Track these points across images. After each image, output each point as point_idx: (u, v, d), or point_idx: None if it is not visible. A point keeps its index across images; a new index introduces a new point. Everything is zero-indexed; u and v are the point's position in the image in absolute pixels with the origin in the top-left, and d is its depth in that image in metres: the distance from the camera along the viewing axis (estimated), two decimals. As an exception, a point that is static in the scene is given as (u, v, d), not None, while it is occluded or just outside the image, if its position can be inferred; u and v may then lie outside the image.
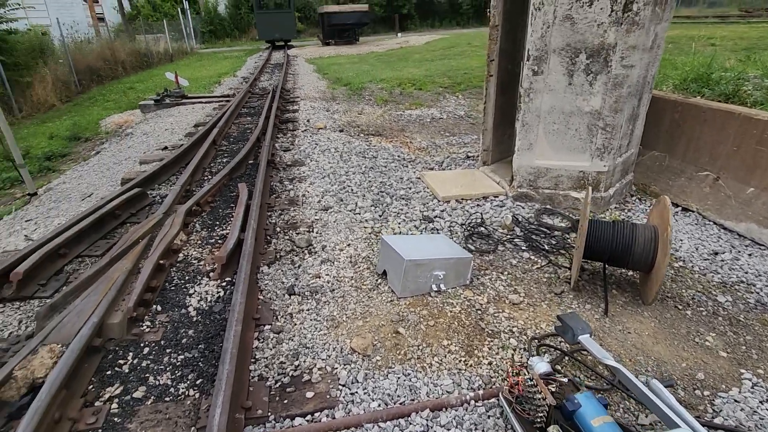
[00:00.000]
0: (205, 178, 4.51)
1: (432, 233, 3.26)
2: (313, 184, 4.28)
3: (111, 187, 4.62)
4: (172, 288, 2.64)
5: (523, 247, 3.10)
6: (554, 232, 3.31)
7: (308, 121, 6.91)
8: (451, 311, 2.41)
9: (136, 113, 8.51)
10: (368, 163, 4.86)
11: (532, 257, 2.98)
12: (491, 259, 2.96)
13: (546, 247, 3.08)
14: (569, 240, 3.20)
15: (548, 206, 3.71)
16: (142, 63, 16.29)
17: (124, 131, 7.41)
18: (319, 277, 2.73)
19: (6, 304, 2.49)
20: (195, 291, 2.60)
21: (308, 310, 2.44)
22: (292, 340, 2.21)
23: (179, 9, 25.30)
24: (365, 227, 3.38)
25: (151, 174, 4.21)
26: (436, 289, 2.54)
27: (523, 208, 3.67)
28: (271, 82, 11.13)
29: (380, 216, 3.56)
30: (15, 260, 2.59)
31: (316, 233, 3.30)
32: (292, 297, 2.55)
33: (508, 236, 3.25)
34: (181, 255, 2.97)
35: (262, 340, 2.20)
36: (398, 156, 5.14)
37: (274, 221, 3.51)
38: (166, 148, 5.72)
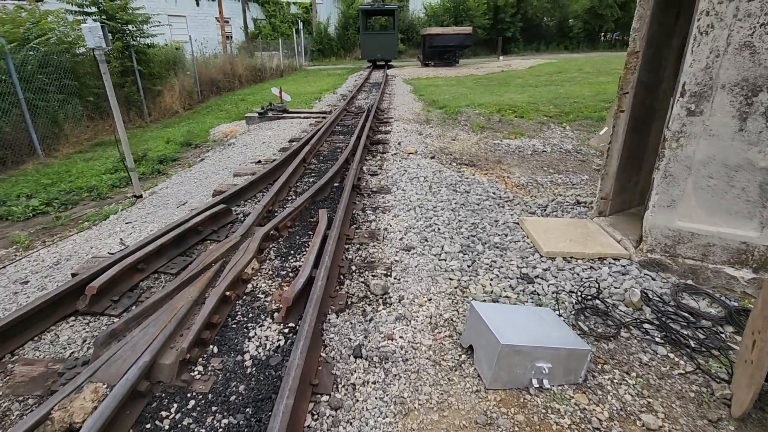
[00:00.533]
0: (289, 198, 4.41)
1: (534, 303, 2.67)
2: (397, 217, 3.92)
3: (203, 196, 4.75)
4: (233, 326, 2.43)
5: (657, 338, 2.36)
6: (701, 321, 2.51)
7: (399, 144, 6.66)
8: (557, 424, 1.82)
9: (242, 124, 9.05)
10: (459, 198, 4.38)
11: (671, 355, 2.25)
12: (612, 350, 2.29)
13: (691, 344, 2.32)
14: (725, 336, 2.39)
15: (690, 282, 2.89)
16: (255, 77, 17.73)
17: (228, 141, 7.86)
18: (392, 339, 2.32)
19: (78, 317, 2.47)
20: (255, 334, 2.34)
21: (374, 383, 2.03)
22: (351, 424, 1.81)
23: (294, 29, 27.43)
24: (450, 279, 2.90)
25: (238, 190, 4.20)
26: (537, 385, 1.97)
27: (654, 279, 2.90)
28: (367, 101, 11.23)
29: (469, 266, 3.05)
30: (94, 272, 2.58)
31: (395, 278, 2.90)
32: (358, 361, 2.16)
33: (635, 318, 2.53)
34: (249, 286, 2.77)
35: (316, 417, 1.84)
36: (493, 193, 4.58)
37: (350, 256, 3.20)
38: (259, 161, 5.85)
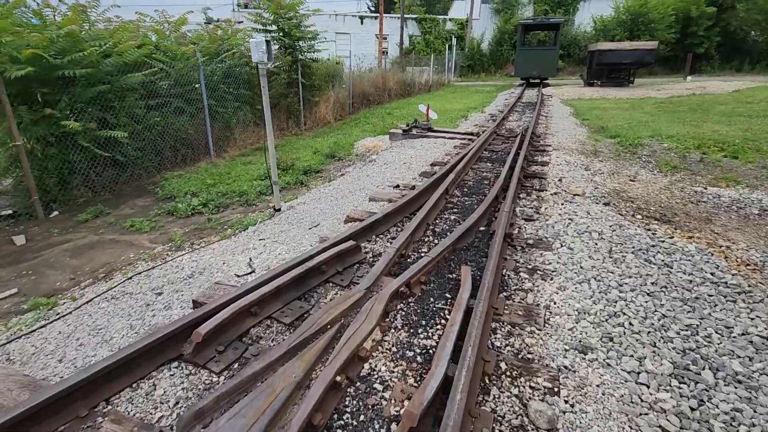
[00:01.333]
0: (426, 239, 3.77)
1: None
2: (563, 289, 2.94)
3: (335, 220, 4.45)
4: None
5: None
6: None
7: (560, 180, 5.52)
8: None
9: (385, 139, 8.89)
10: (657, 274, 3.16)
11: None
12: None
13: None
14: None
15: None
16: (404, 91, 17.96)
17: (369, 156, 7.71)
18: None
19: (181, 365, 2.20)
20: (364, 454, 1.72)
21: None
22: None
23: (447, 45, 27.38)
24: (661, 429, 1.85)
25: (370, 224, 3.72)
26: None
27: None
28: (520, 124, 10.11)
29: (693, 410, 1.94)
30: (205, 313, 2.29)
31: (567, 402, 1.99)
32: None
33: None
34: (366, 366, 2.18)
35: None
36: (711, 273, 3.20)
37: (499, 343, 2.38)
38: (397, 186, 5.39)
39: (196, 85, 7.59)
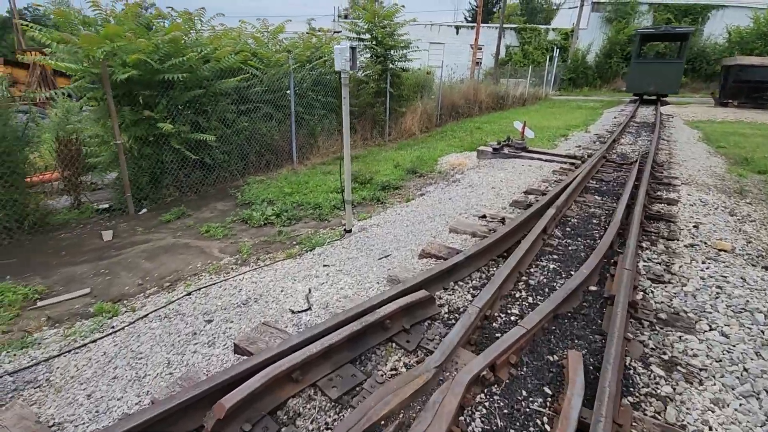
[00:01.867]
0: (517, 293, 3.04)
1: None
2: (721, 404, 2.05)
3: (409, 252, 3.90)
4: None
5: None
6: None
7: (696, 227, 4.37)
8: None
9: (472, 157, 8.17)
10: None
11: None
12: None
13: None
14: None
15: None
16: (496, 104, 16.94)
17: (453, 175, 7.07)
18: None
19: (200, 440, 1.80)
20: None
21: None
22: None
23: (548, 57, 25.58)
24: None
25: (449, 268, 3.08)
26: None
27: None
28: (635, 148, 8.69)
29: None
30: (235, 375, 1.87)
31: None
32: None
33: None
34: (428, 494, 1.58)
35: None
36: None
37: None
38: (484, 216, 4.67)
39: (287, 92, 7.60)
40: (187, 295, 3.47)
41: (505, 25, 25.87)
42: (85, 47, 4.87)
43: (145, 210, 5.75)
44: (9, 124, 4.50)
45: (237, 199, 6.17)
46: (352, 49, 3.66)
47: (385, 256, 3.82)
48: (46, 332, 3.18)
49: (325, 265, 3.74)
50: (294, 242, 4.68)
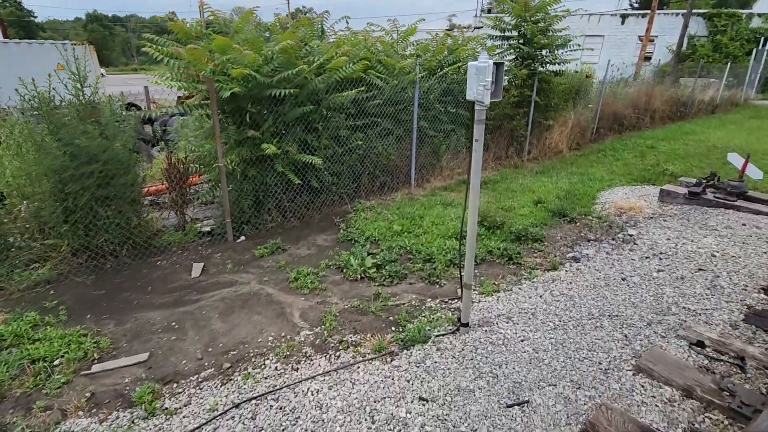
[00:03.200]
0: None
1: None
2: None
3: (559, 403, 2.37)
4: None
5: None
6: None
7: None
8: None
9: (650, 197, 5.96)
10: None
11: None
12: None
13: None
14: None
15: None
16: (675, 112, 13.37)
17: (623, 228, 5.09)
18: None
19: None
20: None
21: None
22: None
23: (754, 49, 19.76)
24: None
25: None
26: None
27: None
28: None
29: None
30: None
31: None
32: None
33: None
34: None
35: None
36: None
37: None
38: (700, 344, 2.80)
39: (411, 104, 6.49)
40: (234, 407, 2.58)
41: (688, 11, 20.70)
42: (192, 62, 4.41)
43: (243, 238, 5.25)
44: (119, 145, 4.26)
45: (339, 233, 5.30)
46: (498, 66, 2.27)
47: (519, 404, 2.37)
48: (79, 421, 2.59)
49: (422, 399, 2.48)
50: (390, 319, 3.54)
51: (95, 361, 3.12)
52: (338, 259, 4.58)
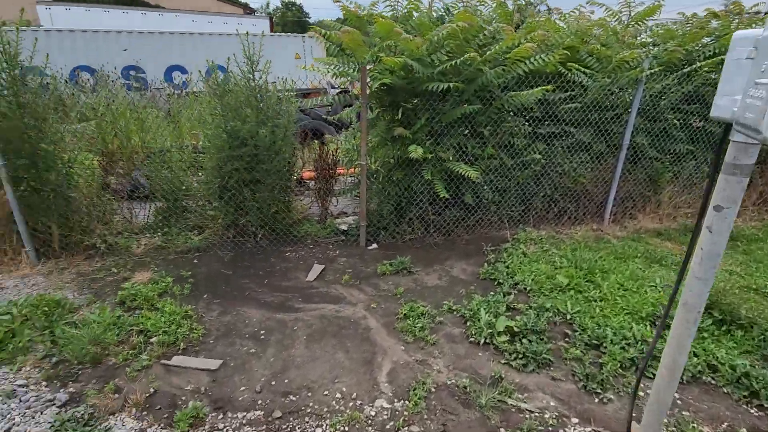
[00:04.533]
0: None
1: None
2: None
3: None
4: None
5: None
6: None
7: None
8: None
9: None
10: None
11: None
12: None
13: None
14: None
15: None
16: None
17: None
18: None
19: None
20: None
21: None
22: None
23: None
24: None
25: None
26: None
27: None
28: None
29: None
30: None
31: None
32: None
33: None
34: None
35: None
36: None
37: None
38: None
39: (627, 111, 4.70)
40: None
41: None
42: (351, 48, 3.96)
43: (375, 246, 4.71)
44: (264, 132, 4.21)
45: (483, 267, 4.19)
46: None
47: None
48: (127, 420, 2.45)
49: None
50: (501, 431, 2.36)
51: (179, 352, 3.03)
52: (466, 305, 3.53)
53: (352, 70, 4.11)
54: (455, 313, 3.49)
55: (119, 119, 6.71)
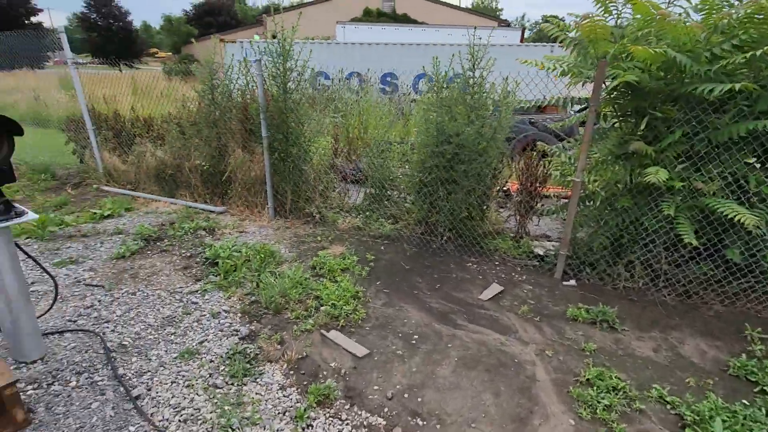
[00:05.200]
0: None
1: None
2: None
3: None
4: None
5: None
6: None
7: None
8: None
9: None
10: None
11: None
12: None
13: None
14: None
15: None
16: None
17: None
18: None
19: None
20: None
21: None
22: None
23: None
24: None
25: None
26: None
27: None
28: None
29: None
30: None
31: None
32: None
33: None
34: None
35: None
36: None
37: None
38: None
39: None
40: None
41: None
42: (590, 40, 3.27)
43: (573, 282, 3.87)
44: (471, 132, 3.96)
45: (739, 358, 2.84)
46: None
47: None
48: (276, 377, 2.67)
49: None
50: None
51: (338, 327, 3.15)
52: (691, 403, 2.44)
53: (587, 66, 3.39)
54: (668, 407, 2.44)
55: (363, 114, 7.74)
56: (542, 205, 4.49)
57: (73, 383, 2.41)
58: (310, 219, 5.10)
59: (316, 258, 4.08)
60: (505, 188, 5.22)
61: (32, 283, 3.52)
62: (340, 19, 22.85)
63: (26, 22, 34.34)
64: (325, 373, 2.69)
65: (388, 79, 16.62)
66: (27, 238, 4.40)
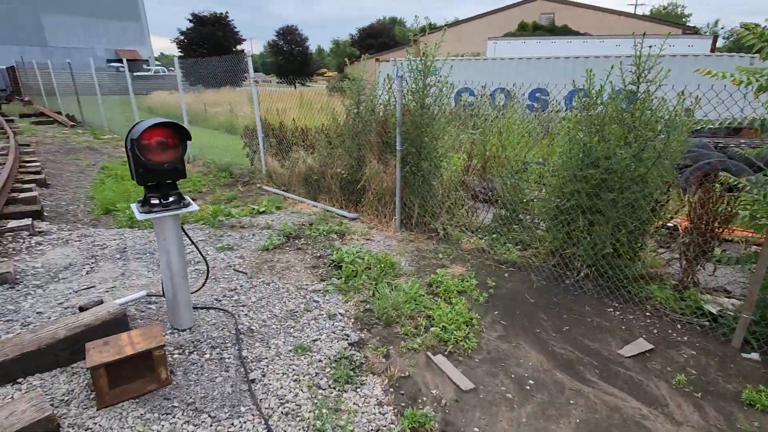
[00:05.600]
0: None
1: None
2: None
3: None
4: None
5: None
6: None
7: None
8: None
9: None
10: None
11: None
12: None
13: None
14: None
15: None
16: None
17: None
18: None
19: None
20: None
21: None
22: None
23: None
24: None
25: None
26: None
27: None
28: None
29: None
30: None
31: None
32: None
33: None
34: None
35: None
36: None
37: None
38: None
39: None
40: None
41: None
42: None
43: (756, 356, 2.96)
44: (625, 156, 3.38)
45: None
46: None
47: None
48: (376, 386, 2.67)
49: None
50: None
51: (445, 353, 2.99)
52: None
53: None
54: None
55: (504, 132, 7.40)
56: (723, 250, 3.57)
57: (207, 355, 2.79)
58: (434, 235, 5.03)
59: (434, 275, 3.98)
60: (670, 224, 4.33)
61: (197, 263, 4.25)
62: (494, 35, 22.52)
63: (234, 49, 42.83)
64: (424, 398, 2.56)
65: (537, 95, 15.67)
66: (203, 224, 5.36)
